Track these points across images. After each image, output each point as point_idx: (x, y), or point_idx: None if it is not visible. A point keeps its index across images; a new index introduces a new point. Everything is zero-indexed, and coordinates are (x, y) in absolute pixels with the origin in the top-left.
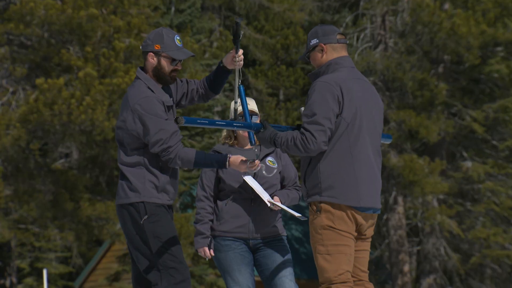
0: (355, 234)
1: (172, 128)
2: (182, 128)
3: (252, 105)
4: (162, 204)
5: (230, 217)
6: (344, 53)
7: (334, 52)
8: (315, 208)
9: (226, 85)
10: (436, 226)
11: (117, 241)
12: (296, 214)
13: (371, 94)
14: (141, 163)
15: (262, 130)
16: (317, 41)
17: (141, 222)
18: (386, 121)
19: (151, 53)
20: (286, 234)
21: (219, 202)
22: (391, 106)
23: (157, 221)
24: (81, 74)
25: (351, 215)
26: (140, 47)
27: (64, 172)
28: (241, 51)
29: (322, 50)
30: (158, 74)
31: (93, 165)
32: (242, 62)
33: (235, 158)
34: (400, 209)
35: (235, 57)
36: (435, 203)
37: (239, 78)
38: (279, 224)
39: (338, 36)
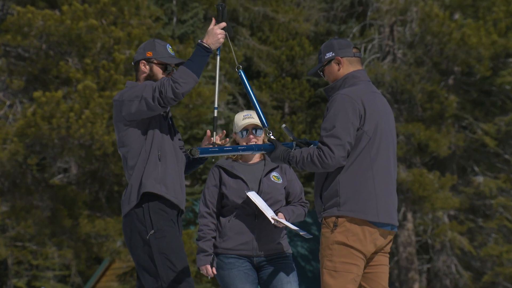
0: (368, 254)
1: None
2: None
3: (256, 118)
4: (161, 196)
5: (234, 234)
6: (359, 66)
7: (350, 65)
8: (331, 223)
9: (229, 97)
10: (446, 243)
11: (117, 259)
12: (301, 232)
13: (388, 107)
14: (139, 161)
15: (273, 150)
16: (333, 54)
17: (147, 237)
18: None
19: (143, 61)
20: (291, 252)
21: (222, 219)
22: (400, 119)
23: (163, 237)
24: (80, 86)
25: (368, 232)
26: (132, 61)
27: (63, 188)
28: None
29: (339, 64)
30: None
31: (92, 180)
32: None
33: (208, 34)
34: (409, 225)
35: (211, 139)
36: (446, 219)
37: (217, 91)
38: (284, 241)
39: (354, 50)
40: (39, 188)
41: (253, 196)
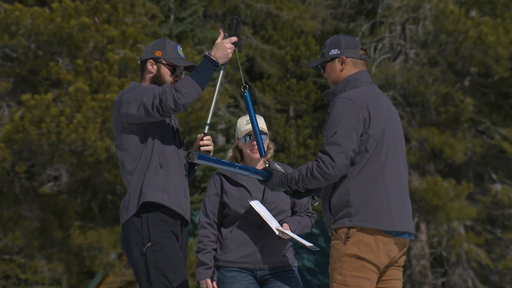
0: (381, 266)
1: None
2: None
3: (260, 123)
4: (163, 206)
5: (236, 246)
6: (363, 68)
7: (354, 67)
8: (343, 235)
9: (230, 100)
10: (462, 255)
11: (111, 272)
12: (307, 244)
13: (392, 108)
14: (138, 168)
15: (270, 178)
16: (339, 52)
17: (144, 250)
18: (407, 140)
19: (151, 60)
20: (297, 265)
21: (223, 230)
22: (412, 123)
23: (161, 251)
24: (71, 89)
25: (381, 243)
26: (138, 60)
27: (53, 197)
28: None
29: (343, 63)
30: (156, 84)
31: (84, 189)
32: (210, 147)
33: (216, 47)
34: (423, 236)
35: (202, 140)
36: (462, 230)
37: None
38: (289, 254)
39: (361, 52)
40: (28, 197)
41: (256, 205)
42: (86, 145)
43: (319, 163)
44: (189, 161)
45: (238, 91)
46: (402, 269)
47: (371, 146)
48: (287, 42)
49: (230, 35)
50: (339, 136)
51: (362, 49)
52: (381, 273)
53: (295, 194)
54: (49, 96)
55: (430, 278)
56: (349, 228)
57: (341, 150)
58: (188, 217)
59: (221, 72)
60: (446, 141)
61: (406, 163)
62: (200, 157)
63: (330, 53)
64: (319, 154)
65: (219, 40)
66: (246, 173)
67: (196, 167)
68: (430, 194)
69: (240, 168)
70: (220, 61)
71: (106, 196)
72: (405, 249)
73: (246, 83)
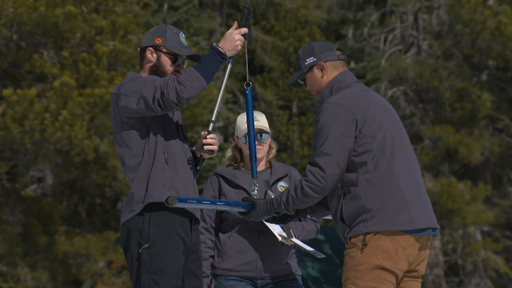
0: (400, 273)
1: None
2: None
3: (261, 120)
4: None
5: (235, 253)
6: (344, 68)
7: (334, 70)
8: (359, 242)
9: (229, 95)
10: (479, 263)
11: (100, 282)
12: (312, 250)
13: (385, 103)
14: (142, 165)
15: (252, 209)
16: (314, 59)
17: (140, 251)
18: (419, 139)
19: (150, 48)
20: (300, 273)
21: (221, 235)
22: (425, 121)
23: (157, 255)
24: (56, 83)
25: (400, 247)
26: (137, 48)
27: (37, 200)
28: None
29: (322, 69)
30: (156, 74)
31: (71, 191)
32: (215, 146)
33: (225, 38)
34: (436, 243)
35: (206, 138)
36: (478, 236)
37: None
38: (293, 261)
39: (338, 53)
40: (10, 200)
41: None
42: (73, 144)
43: (308, 177)
44: (168, 206)
45: (237, 85)
46: (421, 280)
47: (373, 145)
48: (290, 33)
49: (240, 26)
50: (328, 145)
51: (337, 49)
52: (398, 283)
53: (280, 220)
54: (33, 91)
55: None
56: (365, 234)
57: (330, 160)
58: (198, 215)
59: (229, 65)
60: (462, 140)
61: (414, 153)
62: (180, 201)
63: (306, 63)
64: (308, 167)
65: (230, 30)
66: (228, 208)
67: (202, 161)
68: (445, 197)
69: (221, 205)
70: (228, 54)
71: (94, 199)
72: (427, 251)
73: (248, 79)
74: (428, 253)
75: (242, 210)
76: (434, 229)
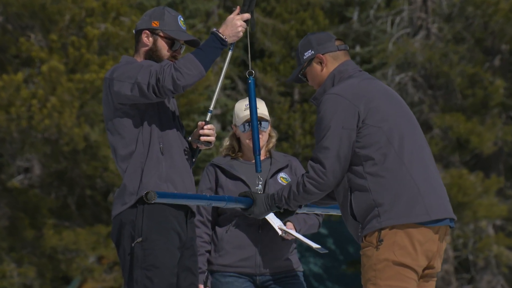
0: (420, 270)
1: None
2: None
3: (261, 108)
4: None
5: (232, 248)
6: (346, 58)
7: (335, 61)
8: (375, 239)
9: (227, 81)
10: (491, 259)
11: (90, 278)
12: (314, 245)
13: (390, 91)
14: (135, 155)
15: (252, 205)
16: (312, 52)
17: (133, 245)
18: (428, 127)
19: (146, 31)
20: (302, 269)
21: (218, 229)
22: (435, 109)
23: (151, 250)
24: (44, 68)
25: (417, 242)
26: (133, 30)
27: (24, 192)
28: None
29: (321, 62)
30: (152, 59)
31: (59, 182)
32: (212, 138)
33: (226, 24)
34: (446, 238)
35: (202, 128)
36: (491, 231)
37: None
38: (294, 257)
39: (337, 43)
40: None
41: None
42: (62, 132)
43: (309, 173)
44: (147, 201)
45: (236, 70)
46: (435, 278)
47: (379, 136)
48: (292, 15)
49: (242, 11)
50: (327, 138)
51: (337, 39)
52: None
53: (285, 214)
54: (19, 76)
55: (454, 285)
56: (379, 230)
57: (330, 154)
58: (194, 208)
59: (230, 52)
60: (473, 128)
61: (426, 142)
62: (161, 196)
63: (304, 57)
64: (310, 162)
65: (231, 16)
66: (222, 204)
67: (198, 152)
68: (455, 190)
69: (214, 200)
70: (229, 40)
71: (84, 191)
72: (444, 244)
73: (249, 67)
74: (445, 247)
75: (241, 206)
76: (451, 219)
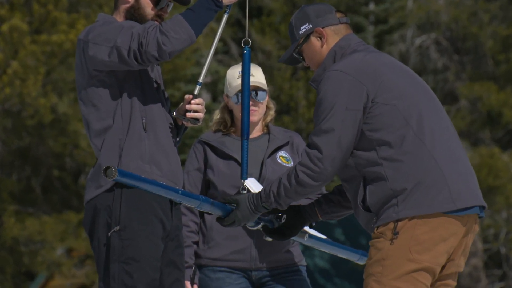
0: (438, 269)
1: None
2: None
3: (257, 75)
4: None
5: (223, 239)
6: (348, 32)
7: (336, 36)
8: (389, 231)
9: (220, 45)
10: None
11: (57, 273)
12: (318, 235)
13: (400, 64)
14: (113, 131)
15: (234, 209)
16: (310, 25)
17: (109, 234)
18: (454, 99)
19: None
20: (305, 264)
21: (207, 217)
22: (461, 77)
23: (130, 241)
24: (5, 27)
25: (440, 238)
26: None
27: None
28: None
29: (321, 37)
30: (134, 18)
31: (22, 162)
32: (200, 114)
33: None
34: (475, 229)
35: (189, 103)
36: None
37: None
38: (295, 249)
39: (338, 15)
40: None
41: (252, 184)
42: (25, 103)
43: (302, 160)
44: (107, 178)
45: (229, 32)
46: (455, 281)
47: (393, 115)
48: None
49: None
50: (328, 121)
51: (338, 11)
52: (433, 283)
53: (271, 230)
54: None
55: (483, 282)
56: (396, 221)
57: (330, 138)
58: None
59: (225, 15)
60: (507, 100)
61: (449, 119)
62: (122, 175)
63: (300, 32)
64: (305, 148)
65: None
66: (195, 203)
67: (184, 130)
68: (485, 171)
69: (185, 195)
70: (225, 1)
71: (51, 172)
72: (471, 237)
73: (245, 33)
74: (472, 241)
75: (218, 213)
76: (481, 207)
